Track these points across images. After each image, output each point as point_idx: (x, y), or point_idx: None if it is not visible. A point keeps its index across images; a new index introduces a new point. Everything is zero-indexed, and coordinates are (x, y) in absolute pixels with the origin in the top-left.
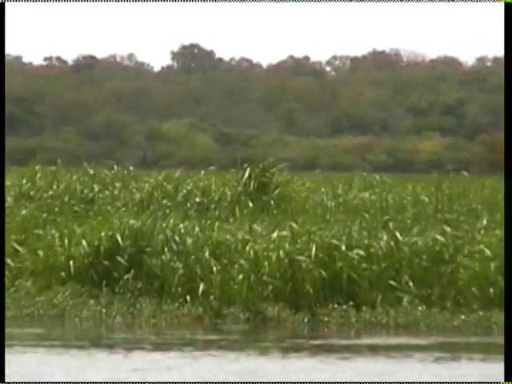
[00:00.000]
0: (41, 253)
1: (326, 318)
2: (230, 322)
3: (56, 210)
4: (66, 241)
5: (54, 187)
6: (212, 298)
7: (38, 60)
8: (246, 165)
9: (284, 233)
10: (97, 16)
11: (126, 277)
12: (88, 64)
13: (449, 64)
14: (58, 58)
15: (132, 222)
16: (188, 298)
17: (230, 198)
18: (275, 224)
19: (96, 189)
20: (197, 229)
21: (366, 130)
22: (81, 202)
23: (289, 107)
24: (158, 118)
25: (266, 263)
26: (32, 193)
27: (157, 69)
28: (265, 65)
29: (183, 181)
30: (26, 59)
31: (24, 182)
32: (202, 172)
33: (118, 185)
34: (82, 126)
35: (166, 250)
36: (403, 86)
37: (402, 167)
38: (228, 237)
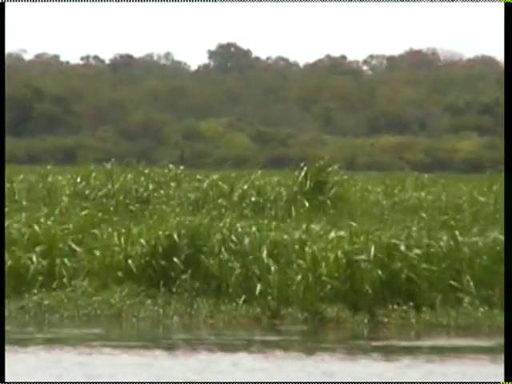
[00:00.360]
0: (97, 252)
1: (385, 319)
2: (288, 323)
3: (111, 209)
4: (123, 240)
5: (109, 186)
6: (270, 298)
7: (75, 59)
8: (302, 164)
9: (342, 233)
10: (134, 15)
11: (183, 277)
12: (125, 63)
13: (486, 63)
14: (96, 57)
15: (189, 221)
16: (245, 298)
17: (285, 197)
18: (332, 224)
19: (151, 188)
20: (254, 228)
21: (403, 129)
22: (136, 201)
23: (326, 106)
24: (196, 116)
25: (324, 263)
26: (87, 192)
27: (193, 68)
28: (301, 64)
29: (237, 180)
30: (63, 58)
31: (78, 180)
32: (259, 172)
33: (172, 184)
34: (119, 125)
35: (222, 249)
36: (441, 85)
37: (440, 166)
38: (285, 236)
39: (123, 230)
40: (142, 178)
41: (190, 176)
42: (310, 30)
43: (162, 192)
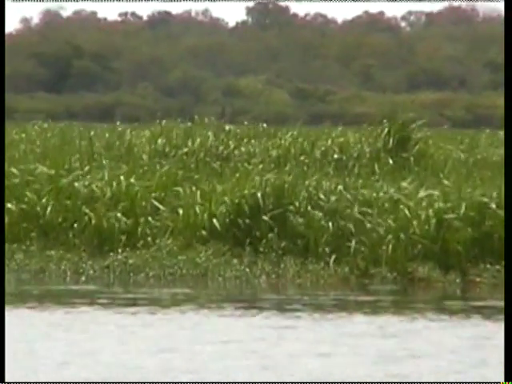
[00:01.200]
0: (181, 211)
1: (477, 279)
2: (377, 283)
3: (192, 166)
4: (207, 199)
5: (189, 144)
6: (359, 257)
7: (112, 16)
8: (384, 121)
9: (432, 191)
10: None
11: (269, 235)
12: (163, 19)
13: None
14: (133, 14)
15: (273, 179)
16: (334, 257)
17: (368, 154)
18: (419, 182)
19: (231, 145)
20: (340, 186)
21: (443, 86)
22: (216, 159)
23: (365, 63)
24: (234, 74)
25: (415, 222)
26: (167, 150)
27: (231, 24)
28: (340, 20)
29: (318, 137)
30: (100, 15)
31: (160, 139)
32: (339, 128)
33: (253, 141)
34: (158, 82)
35: (309, 208)
36: (480, 42)
37: (481, 123)
38: (376, 194)
39: (206, 189)
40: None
41: (271, 133)
42: None
43: (242, 149)
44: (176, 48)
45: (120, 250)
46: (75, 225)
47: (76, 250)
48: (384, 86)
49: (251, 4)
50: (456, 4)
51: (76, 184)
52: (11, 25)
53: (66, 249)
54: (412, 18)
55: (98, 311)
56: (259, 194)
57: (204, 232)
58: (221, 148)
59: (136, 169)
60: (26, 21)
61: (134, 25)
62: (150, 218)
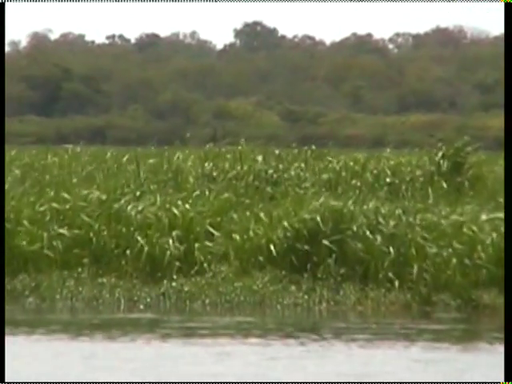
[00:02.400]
0: (237, 236)
1: None
2: (440, 310)
3: (241, 191)
4: (264, 224)
5: (238, 167)
6: (422, 283)
7: (100, 38)
8: (440, 144)
9: (496, 214)
10: None
11: (328, 261)
12: (151, 42)
13: None
14: (121, 37)
15: (333, 203)
16: (396, 283)
17: (422, 178)
18: (478, 205)
19: (281, 169)
20: (398, 210)
21: (433, 108)
22: (266, 183)
23: (355, 84)
24: (225, 95)
25: (480, 247)
26: (215, 174)
27: (219, 47)
28: (328, 42)
29: (367, 160)
30: (88, 38)
31: (206, 163)
32: (388, 150)
33: (302, 165)
34: (148, 104)
35: (367, 232)
36: (468, 63)
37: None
38: (435, 218)
39: (262, 214)
40: (264, 159)
41: (320, 157)
42: (335, 8)
43: (292, 173)
44: (165, 70)
45: (174, 277)
46: (128, 251)
47: (128, 277)
48: (374, 107)
49: (239, 26)
50: (443, 26)
51: (128, 209)
52: None
53: (118, 276)
54: (400, 39)
55: (161, 340)
56: (318, 219)
57: (261, 258)
58: (270, 172)
59: (188, 194)
60: (14, 44)
61: (121, 47)
62: (204, 244)
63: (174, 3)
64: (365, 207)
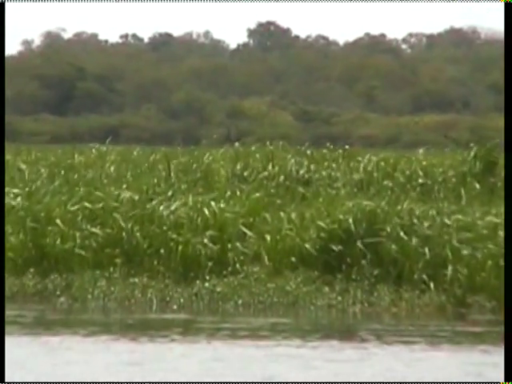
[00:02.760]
0: (269, 237)
1: None
2: (475, 312)
3: (272, 191)
4: (297, 224)
5: (269, 167)
6: (456, 285)
7: (113, 38)
8: (471, 145)
9: None
10: None
11: (361, 262)
12: (164, 41)
13: None
14: (134, 36)
15: (365, 204)
16: (430, 285)
17: (454, 179)
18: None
19: (312, 169)
20: (431, 211)
21: (447, 108)
22: (297, 183)
23: (369, 84)
24: (238, 95)
25: None
26: (246, 173)
27: (233, 46)
28: (341, 42)
29: (398, 161)
30: (101, 37)
31: (238, 163)
32: (420, 151)
33: (333, 165)
34: (162, 104)
35: (401, 233)
36: (482, 64)
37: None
38: (469, 219)
39: (294, 214)
40: (295, 159)
41: (350, 157)
42: (348, 7)
43: (323, 173)
44: (179, 70)
45: (207, 277)
46: (161, 251)
47: (161, 277)
48: (388, 107)
49: (253, 26)
50: (457, 26)
51: (161, 209)
52: (13, 47)
53: (150, 276)
54: (413, 39)
55: (191, 341)
56: (351, 220)
57: (293, 258)
58: (301, 172)
59: (220, 194)
60: (27, 43)
61: (135, 46)
62: (237, 244)
63: (187, 2)
64: (399, 208)
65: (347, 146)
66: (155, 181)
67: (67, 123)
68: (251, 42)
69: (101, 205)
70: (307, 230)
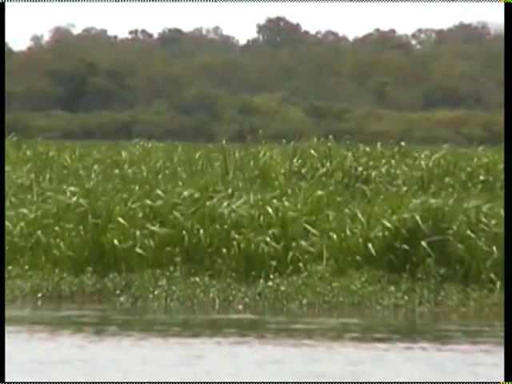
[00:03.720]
0: (334, 235)
1: None
2: None
3: (331, 188)
4: (361, 222)
5: (327, 164)
6: None
7: (123, 33)
8: None
9: None
10: None
11: (427, 261)
12: (174, 37)
13: None
14: (144, 31)
15: (432, 202)
16: (498, 284)
17: None
18: None
19: (371, 165)
20: (498, 209)
21: (459, 104)
22: (355, 180)
23: (380, 80)
24: (249, 91)
25: None
26: (303, 171)
27: (242, 42)
28: (351, 38)
29: (459, 158)
30: (110, 32)
31: (295, 160)
32: (480, 148)
33: (392, 161)
34: (173, 100)
35: (468, 232)
36: (494, 59)
37: (499, 140)
38: None
39: (358, 212)
40: (350, 155)
41: (407, 154)
42: (358, 3)
43: (382, 170)
44: (190, 66)
45: (271, 276)
46: (223, 250)
47: (223, 277)
48: (399, 103)
49: (262, 22)
50: (466, 22)
51: (222, 207)
52: (22, 42)
53: (212, 275)
54: (422, 35)
55: (261, 343)
56: (418, 218)
57: (358, 257)
58: (359, 169)
59: (281, 191)
60: (36, 38)
61: (144, 42)
62: (301, 243)
63: None
64: (465, 205)
65: (403, 143)
66: (215, 179)
67: (78, 119)
68: (261, 37)
69: (161, 202)
70: (372, 229)
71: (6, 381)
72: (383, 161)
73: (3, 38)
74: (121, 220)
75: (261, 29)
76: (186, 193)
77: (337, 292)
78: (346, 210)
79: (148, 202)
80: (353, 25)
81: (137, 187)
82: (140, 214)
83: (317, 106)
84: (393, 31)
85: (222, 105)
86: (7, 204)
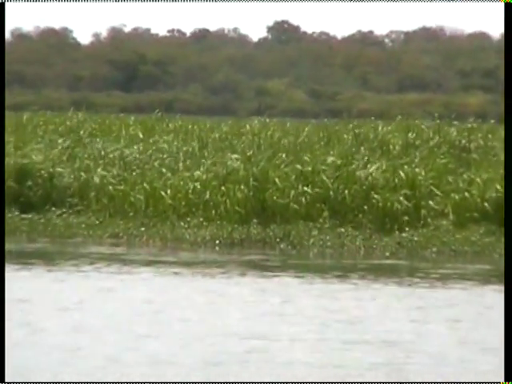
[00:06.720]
0: (455, 196)
1: None
2: None
3: (442, 157)
4: (478, 185)
5: (437, 137)
6: None
7: (162, 31)
8: None
9: None
10: None
11: None
12: (203, 35)
13: (482, 38)
14: (179, 30)
15: None
16: None
17: None
18: None
19: (472, 139)
20: None
21: (424, 88)
22: (460, 151)
23: (363, 70)
24: (263, 77)
25: None
26: (417, 143)
27: (255, 39)
28: (339, 37)
29: None
30: (153, 31)
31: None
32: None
33: (489, 135)
34: (205, 83)
35: None
36: (450, 54)
37: (456, 117)
38: None
39: (474, 177)
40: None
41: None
42: (344, 8)
43: (481, 142)
44: (216, 57)
45: (406, 229)
46: (365, 207)
47: (363, 228)
48: (379, 87)
49: (270, 23)
50: (428, 25)
51: (360, 171)
52: (86, 38)
53: (355, 227)
54: (394, 35)
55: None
56: None
57: (476, 214)
58: (463, 141)
59: (410, 159)
60: (96, 35)
61: (180, 39)
62: (429, 202)
63: (220, 3)
64: None
65: (492, 121)
66: (353, 149)
67: (132, 98)
68: (270, 36)
69: (310, 167)
70: (487, 191)
71: (6, 381)
72: (479, 135)
73: (3, 38)
74: (277, 181)
75: (269, 29)
76: (330, 159)
77: (460, 242)
78: (465, 176)
79: (298, 166)
80: (340, 27)
81: (283, 155)
82: (293, 177)
83: (315, 90)
84: (371, 32)
85: (242, 88)
86: (180, 167)
